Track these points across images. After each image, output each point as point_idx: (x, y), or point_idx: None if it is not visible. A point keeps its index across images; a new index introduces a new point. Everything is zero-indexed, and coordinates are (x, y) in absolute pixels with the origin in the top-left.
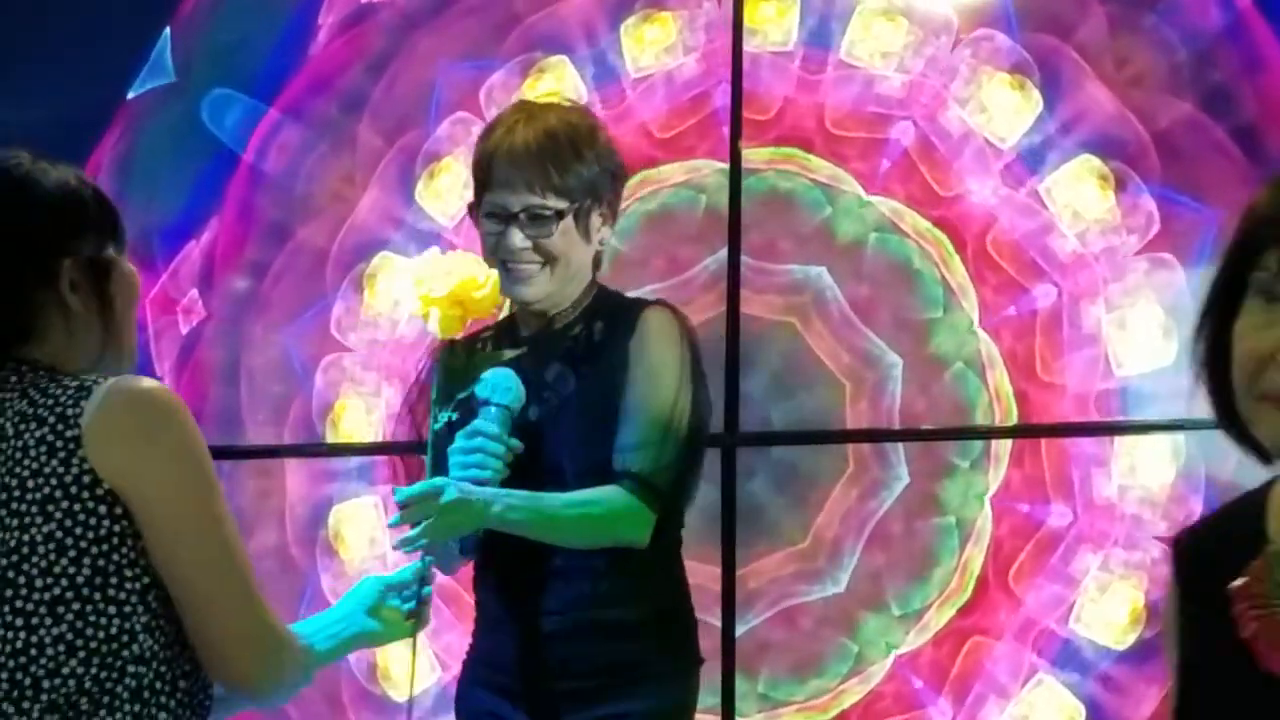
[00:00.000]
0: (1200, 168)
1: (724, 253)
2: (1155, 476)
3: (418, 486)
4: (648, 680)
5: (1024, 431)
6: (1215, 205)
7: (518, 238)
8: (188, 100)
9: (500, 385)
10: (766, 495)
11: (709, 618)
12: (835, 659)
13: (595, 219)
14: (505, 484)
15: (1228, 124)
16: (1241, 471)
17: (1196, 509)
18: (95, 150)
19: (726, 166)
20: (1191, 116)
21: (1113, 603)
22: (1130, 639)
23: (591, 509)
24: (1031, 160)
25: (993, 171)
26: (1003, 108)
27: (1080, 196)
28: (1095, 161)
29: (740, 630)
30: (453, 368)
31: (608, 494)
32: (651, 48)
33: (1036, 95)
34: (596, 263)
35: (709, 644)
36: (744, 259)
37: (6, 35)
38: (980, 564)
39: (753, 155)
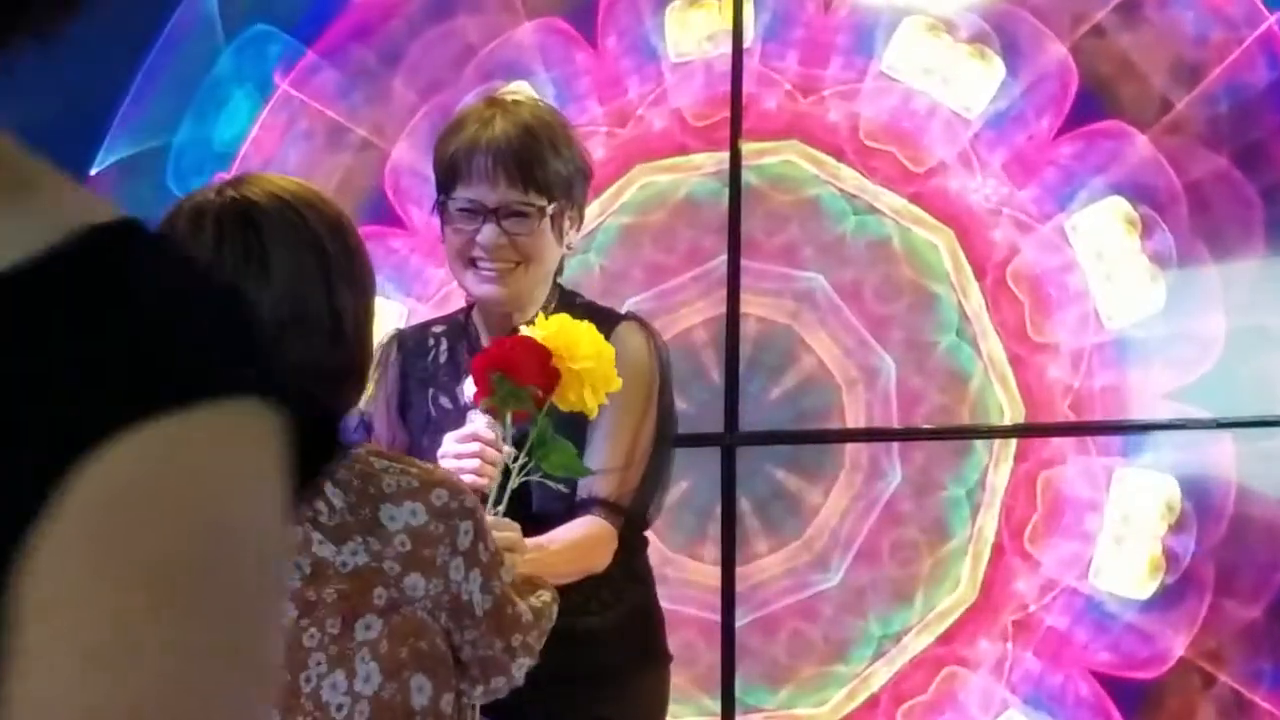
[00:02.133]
0: (1226, 223)
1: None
2: (1150, 529)
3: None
4: (621, 685)
5: (1024, 431)
6: (1233, 259)
7: (495, 234)
8: (162, 157)
9: None
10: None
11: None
12: (858, 644)
13: (566, 221)
14: None
15: (1260, 183)
16: (1245, 472)
17: (1187, 556)
18: None
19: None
20: (1226, 171)
21: (1130, 553)
22: (1152, 587)
23: (579, 548)
24: (1061, 196)
25: (961, 142)
26: (966, 79)
27: (1106, 238)
28: (1124, 205)
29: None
30: None
31: (584, 529)
32: (694, 34)
33: (999, 62)
34: (560, 267)
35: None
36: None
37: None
38: (994, 530)
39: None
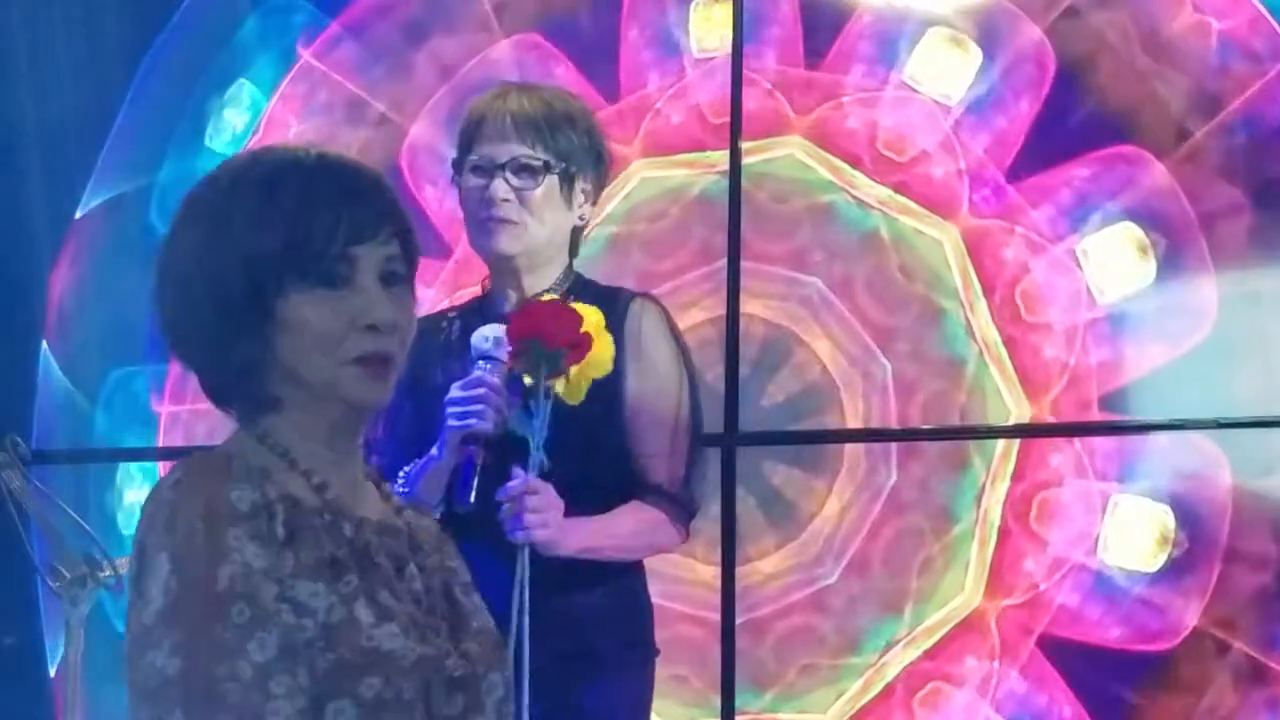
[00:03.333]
0: (1231, 251)
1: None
2: (1140, 550)
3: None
4: (603, 673)
5: (1025, 431)
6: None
7: (502, 187)
8: (146, 196)
9: (503, 341)
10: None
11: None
12: (869, 636)
13: (579, 191)
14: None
15: (1268, 215)
16: (1242, 475)
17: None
18: (51, 272)
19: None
20: (1240, 202)
21: (1138, 527)
22: (1160, 560)
23: (637, 523)
24: (1074, 218)
25: (943, 129)
26: (944, 66)
27: (1117, 263)
28: (1137, 231)
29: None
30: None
31: (633, 511)
32: (718, 30)
33: (975, 48)
34: (574, 246)
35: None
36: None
37: (6, 35)
38: (999, 514)
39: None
